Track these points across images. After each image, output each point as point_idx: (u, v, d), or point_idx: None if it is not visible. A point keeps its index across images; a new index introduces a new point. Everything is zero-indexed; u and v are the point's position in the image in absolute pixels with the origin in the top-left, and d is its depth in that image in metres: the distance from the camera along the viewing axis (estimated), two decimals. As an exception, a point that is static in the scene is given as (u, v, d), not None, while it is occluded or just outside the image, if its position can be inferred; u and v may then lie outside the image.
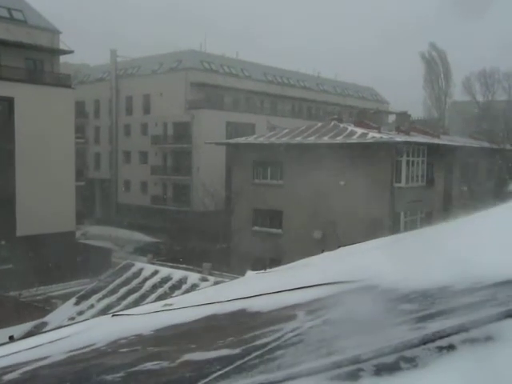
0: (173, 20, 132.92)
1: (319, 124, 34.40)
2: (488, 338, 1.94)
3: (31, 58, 36.25)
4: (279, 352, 2.21)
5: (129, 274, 19.51)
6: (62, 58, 39.66)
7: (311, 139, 30.50)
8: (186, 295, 6.84)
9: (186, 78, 52.28)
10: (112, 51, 58.99)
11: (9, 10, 36.11)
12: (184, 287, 17.57)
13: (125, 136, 58.07)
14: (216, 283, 14.71)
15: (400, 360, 1.89)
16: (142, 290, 18.01)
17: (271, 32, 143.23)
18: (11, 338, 4.70)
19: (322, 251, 6.07)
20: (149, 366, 2.49)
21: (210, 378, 2.04)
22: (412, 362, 1.87)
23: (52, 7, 58.81)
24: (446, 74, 65.19)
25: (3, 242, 30.61)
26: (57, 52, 37.87)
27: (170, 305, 4.24)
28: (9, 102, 33.67)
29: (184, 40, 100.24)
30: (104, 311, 15.66)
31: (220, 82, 54.49)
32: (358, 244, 5.57)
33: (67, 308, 18.62)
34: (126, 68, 58.81)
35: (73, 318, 16.26)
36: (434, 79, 65.30)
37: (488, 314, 2.11)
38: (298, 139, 31.10)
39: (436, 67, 65.08)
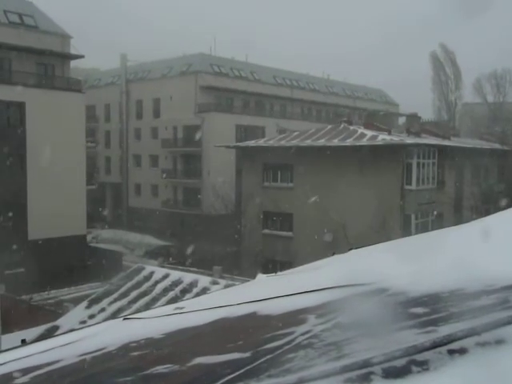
0: (183, 23, 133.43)
1: (329, 126, 34.35)
2: (499, 342, 1.93)
3: (42, 63, 36.52)
4: (290, 355, 2.21)
5: (140, 277, 19.58)
6: (73, 63, 39.96)
7: (321, 142, 30.46)
8: (196, 298, 6.84)
9: (195, 82, 52.43)
10: (122, 55, 59.31)
11: (20, 15, 36.43)
12: (195, 290, 17.60)
13: (135, 140, 58.33)
14: (227, 286, 14.72)
15: (411, 363, 1.88)
16: (153, 294, 18.06)
17: (281, 35, 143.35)
18: (23, 342, 4.73)
19: (333, 254, 6.06)
20: (160, 369, 2.50)
21: (220, 381, 2.04)
22: (423, 366, 1.86)
23: (62, 12, 59.35)
24: (456, 75, 64.91)
25: (15, 246, 30.78)
26: (67, 57, 38.12)
27: (181, 308, 4.25)
28: (20, 107, 33.96)
29: (193, 43, 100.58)
30: (115, 314, 15.72)
31: (230, 85, 54.60)
32: (368, 247, 5.56)
33: (79, 311, 18.71)
34: (136, 72, 59.08)
35: (84, 322, 16.34)
36: (443, 81, 65.05)
37: (499, 318, 2.10)
38: (308, 142, 31.08)
39: (445, 68, 64.82)
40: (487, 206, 30.94)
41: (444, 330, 2.11)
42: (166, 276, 19.34)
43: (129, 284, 19.25)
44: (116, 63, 60.71)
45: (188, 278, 19.00)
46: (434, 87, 65.50)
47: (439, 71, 64.94)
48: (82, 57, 38.80)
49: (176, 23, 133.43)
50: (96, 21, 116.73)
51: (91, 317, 17.38)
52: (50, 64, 36.90)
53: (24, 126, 33.93)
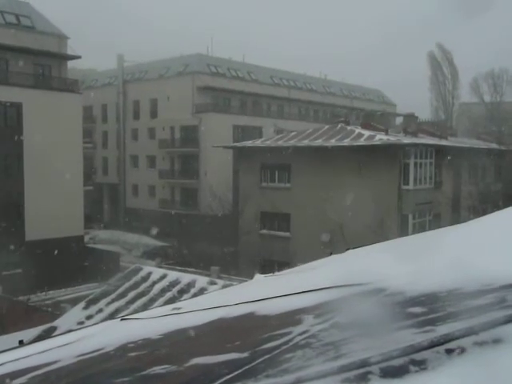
0: (179, 24, 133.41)
1: (326, 126, 34.39)
2: (497, 341, 1.93)
3: (39, 64, 36.50)
4: (288, 355, 2.21)
5: (137, 277, 19.57)
6: (70, 64, 39.90)
7: (318, 142, 30.49)
8: (194, 299, 6.84)
9: (192, 82, 52.42)
10: (119, 56, 59.28)
11: (17, 16, 36.39)
12: (192, 291, 17.60)
13: (132, 140, 58.29)
14: (224, 287, 14.72)
15: (409, 363, 1.88)
16: (151, 294, 18.05)
17: (278, 36, 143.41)
18: (21, 343, 4.72)
19: (330, 254, 6.06)
20: (157, 369, 2.50)
21: (218, 381, 2.04)
22: (421, 365, 1.86)
23: (59, 13, 59.28)
24: (453, 75, 65.05)
25: (12, 247, 30.73)
26: (64, 57, 38.10)
27: (179, 308, 4.25)
28: (17, 108, 33.91)
29: (190, 44, 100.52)
30: (113, 315, 15.70)
31: (227, 85, 54.61)
32: (365, 247, 5.56)
33: (76, 312, 18.69)
34: (133, 72, 59.05)
35: (82, 323, 16.32)
36: (440, 80, 65.19)
37: (497, 317, 2.10)
38: (305, 142, 31.11)
39: (443, 68, 64.95)
40: (484, 206, 30.99)
41: (442, 330, 2.11)
42: (163, 276, 19.33)
43: (126, 285, 19.24)
44: (113, 64, 60.73)
45: (186, 278, 18.99)
46: (431, 87, 65.69)
47: (437, 71, 65.07)
48: (78, 57, 38.77)
49: (173, 24, 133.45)
50: (93, 21, 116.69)
51: (89, 317, 17.36)
52: (46, 65, 36.87)
53: (21, 126, 33.88)
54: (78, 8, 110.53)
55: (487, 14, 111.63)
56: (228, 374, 2.10)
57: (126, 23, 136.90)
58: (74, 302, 22.98)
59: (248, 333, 2.91)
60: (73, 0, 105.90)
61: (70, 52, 38.18)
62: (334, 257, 5.67)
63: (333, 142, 29.85)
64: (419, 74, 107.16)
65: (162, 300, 17.01)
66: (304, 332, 2.52)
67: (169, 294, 17.74)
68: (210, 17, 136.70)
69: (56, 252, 31.19)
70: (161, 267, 23.38)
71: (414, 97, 77.74)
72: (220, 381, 2.04)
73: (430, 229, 24.07)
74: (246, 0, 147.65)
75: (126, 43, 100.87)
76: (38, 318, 21.28)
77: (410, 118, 36.31)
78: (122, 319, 4.31)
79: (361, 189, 26.77)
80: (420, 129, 35.08)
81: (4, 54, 34.27)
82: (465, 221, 5.65)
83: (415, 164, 28.64)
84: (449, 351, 1.91)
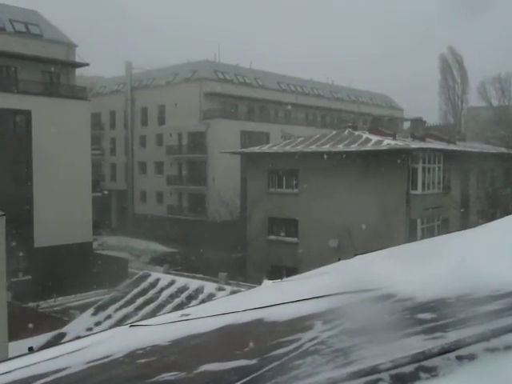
0: (187, 31, 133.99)
1: (334, 132, 34.34)
2: (508, 347, 1.91)
3: (47, 72, 36.72)
4: (297, 362, 2.20)
5: (145, 284, 19.60)
6: (78, 71, 40.13)
7: (326, 147, 30.44)
8: (202, 305, 6.83)
9: (200, 88, 52.57)
10: (127, 63, 59.59)
11: (25, 24, 36.69)
12: (200, 297, 17.60)
13: (140, 147, 58.49)
14: (232, 293, 14.71)
15: (419, 370, 1.87)
16: (159, 300, 18.07)
17: (285, 42, 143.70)
18: (30, 349, 4.74)
19: (339, 260, 6.03)
20: (166, 376, 2.49)
21: (227, 388, 2.04)
22: (432, 372, 1.85)
23: (67, 21, 59.72)
24: (463, 78, 64.74)
25: (21, 254, 30.88)
26: (72, 65, 38.34)
27: (187, 315, 4.24)
28: (26, 115, 34.13)
29: (198, 50, 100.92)
30: (121, 322, 15.73)
31: (234, 91, 54.71)
32: (374, 252, 5.53)
33: (85, 318, 18.73)
34: (141, 79, 59.32)
35: (90, 329, 16.34)
36: (450, 85, 64.89)
37: (508, 323, 2.09)
38: (313, 147, 31.07)
39: (453, 72, 64.62)
40: (493, 211, 30.83)
41: (452, 336, 2.10)
42: (171, 283, 19.35)
43: (135, 291, 19.26)
44: (121, 71, 61.07)
45: (194, 284, 19.00)
46: (440, 91, 65.34)
47: (447, 74, 64.75)
48: (86, 65, 38.98)
49: (180, 30, 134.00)
50: (101, 29, 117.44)
51: (97, 324, 17.40)
52: (55, 72, 37.09)
53: (30, 133, 34.10)
54: (86, 16, 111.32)
55: (493, 16, 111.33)
56: (237, 380, 2.10)
57: (133, 30, 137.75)
58: (82, 308, 23.04)
59: (257, 339, 2.91)
60: (81, 8, 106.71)
61: (78, 59, 38.41)
62: (342, 262, 5.65)
63: (340, 148, 29.79)
64: (426, 78, 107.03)
65: (170, 306, 17.03)
66: (313, 338, 2.51)
67: (177, 300, 17.75)
68: (218, 24, 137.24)
69: (65, 258, 31.31)
70: (169, 273, 23.39)
71: (421, 101, 77.66)
72: (229, 388, 2.04)
73: (438, 234, 23.95)
74: (253, 7, 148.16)
75: (133, 50, 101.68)
76: (47, 325, 21.35)
77: (417, 122, 36.20)
78: (130, 326, 4.31)
79: (369, 194, 26.68)
80: (428, 133, 34.94)
81: (13, 62, 34.53)
82: (474, 225, 5.62)
83: (423, 169, 28.52)
84: (459, 358, 1.90)
